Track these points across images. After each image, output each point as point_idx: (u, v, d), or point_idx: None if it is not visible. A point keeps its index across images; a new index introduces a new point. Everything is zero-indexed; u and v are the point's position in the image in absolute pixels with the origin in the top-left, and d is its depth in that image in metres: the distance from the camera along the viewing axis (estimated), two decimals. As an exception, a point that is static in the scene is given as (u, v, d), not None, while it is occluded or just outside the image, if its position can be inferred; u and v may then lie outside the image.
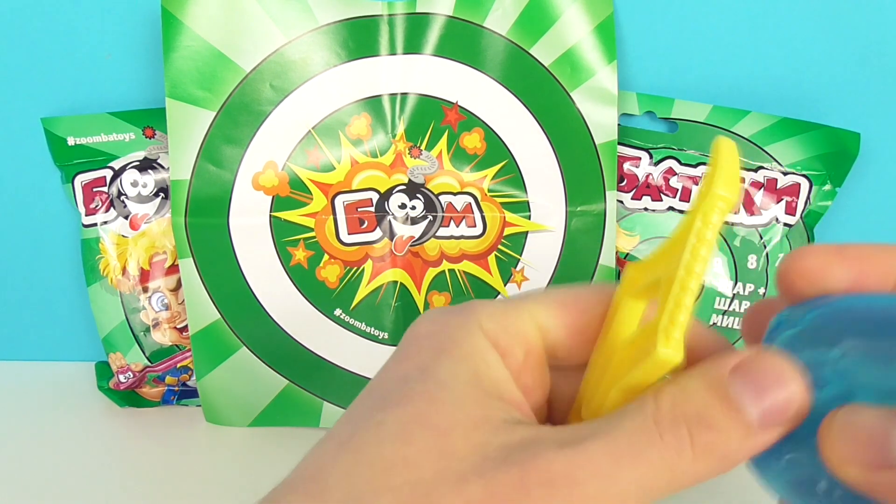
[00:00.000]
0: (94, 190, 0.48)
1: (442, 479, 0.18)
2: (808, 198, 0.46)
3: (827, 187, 0.46)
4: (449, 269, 0.46)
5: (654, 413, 0.18)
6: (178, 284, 0.48)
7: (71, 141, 0.47)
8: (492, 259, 0.46)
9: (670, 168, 0.47)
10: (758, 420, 0.18)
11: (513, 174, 0.46)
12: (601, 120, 0.45)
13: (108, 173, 0.48)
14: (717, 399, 0.18)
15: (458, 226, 0.46)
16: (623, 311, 0.21)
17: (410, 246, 0.46)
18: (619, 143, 0.46)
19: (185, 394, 0.50)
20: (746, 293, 0.46)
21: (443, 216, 0.46)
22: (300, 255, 0.46)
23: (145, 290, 0.48)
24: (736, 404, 0.18)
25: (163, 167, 0.48)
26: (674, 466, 0.18)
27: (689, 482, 0.18)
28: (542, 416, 0.22)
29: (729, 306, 0.46)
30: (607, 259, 0.46)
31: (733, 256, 0.46)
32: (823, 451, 0.17)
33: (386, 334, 0.46)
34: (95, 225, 0.48)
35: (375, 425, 0.19)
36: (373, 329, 0.46)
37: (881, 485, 0.17)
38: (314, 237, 0.46)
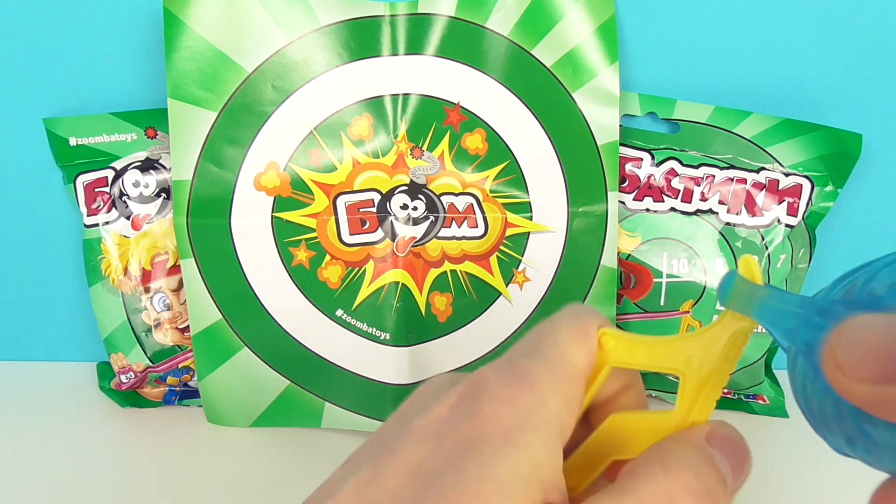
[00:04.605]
0: (96, 190, 0.48)
1: None
2: (809, 199, 0.46)
3: (829, 188, 0.46)
4: (451, 270, 0.46)
5: (665, 484, 0.19)
6: (180, 285, 0.48)
7: (73, 141, 0.47)
8: (493, 260, 0.46)
9: (672, 169, 0.47)
10: (732, 491, 0.21)
11: (514, 175, 0.46)
12: (603, 121, 0.45)
13: (110, 174, 0.48)
14: (717, 477, 0.20)
15: (459, 226, 0.46)
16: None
17: (412, 246, 0.46)
18: (621, 144, 0.46)
19: (187, 394, 0.50)
20: (748, 294, 0.46)
21: (444, 217, 0.46)
22: (302, 255, 0.46)
23: (147, 290, 0.48)
24: (724, 479, 0.20)
25: (164, 167, 0.48)
26: None
27: None
28: None
29: (730, 307, 0.46)
30: (609, 260, 0.46)
31: (735, 257, 0.46)
32: (827, 371, 0.16)
33: (387, 335, 0.46)
34: (97, 225, 0.48)
35: None
36: (374, 330, 0.46)
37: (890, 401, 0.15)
38: (316, 238, 0.46)
